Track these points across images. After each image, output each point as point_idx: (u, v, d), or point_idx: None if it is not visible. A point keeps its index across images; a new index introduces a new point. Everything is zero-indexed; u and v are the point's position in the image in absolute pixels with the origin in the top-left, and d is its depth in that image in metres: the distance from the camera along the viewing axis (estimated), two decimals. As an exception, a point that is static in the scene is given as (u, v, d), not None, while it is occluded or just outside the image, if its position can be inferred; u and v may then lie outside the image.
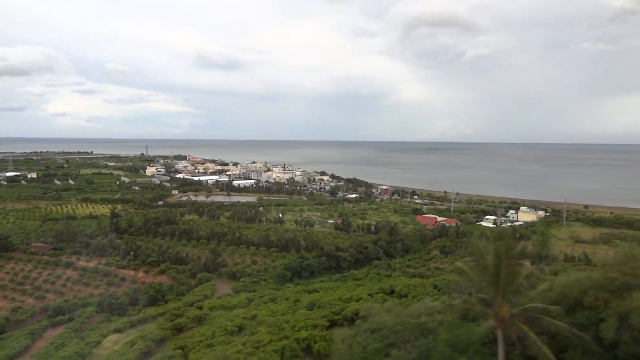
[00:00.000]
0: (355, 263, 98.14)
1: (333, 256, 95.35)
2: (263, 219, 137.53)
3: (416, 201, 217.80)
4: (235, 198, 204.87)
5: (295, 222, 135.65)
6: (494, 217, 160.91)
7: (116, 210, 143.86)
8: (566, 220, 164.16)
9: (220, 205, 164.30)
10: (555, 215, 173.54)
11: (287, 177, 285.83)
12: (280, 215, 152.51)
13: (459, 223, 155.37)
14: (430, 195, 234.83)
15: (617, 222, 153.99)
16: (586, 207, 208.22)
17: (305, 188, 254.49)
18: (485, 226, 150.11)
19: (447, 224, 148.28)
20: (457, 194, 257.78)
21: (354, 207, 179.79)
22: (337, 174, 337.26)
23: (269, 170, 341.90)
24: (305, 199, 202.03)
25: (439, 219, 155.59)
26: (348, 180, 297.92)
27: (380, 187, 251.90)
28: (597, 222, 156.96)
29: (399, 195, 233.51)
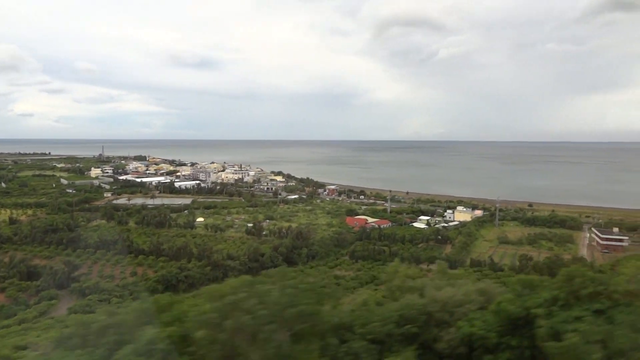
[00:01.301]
0: (248, 272, 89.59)
1: (220, 265, 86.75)
2: (173, 223, 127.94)
3: (362, 201, 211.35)
4: (168, 200, 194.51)
5: (206, 226, 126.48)
6: (428, 218, 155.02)
7: (14, 217, 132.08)
8: (504, 220, 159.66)
9: (140, 209, 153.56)
10: (496, 213, 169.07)
11: (236, 178, 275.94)
12: (202, 219, 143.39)
13: (390, 224, 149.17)
14: (377, 195, 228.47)
15: (551, 220, 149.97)
16: (530, 205, 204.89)
17: (252, 189, 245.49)
18: (417, 227, 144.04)
19: (377, 226, 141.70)
20: (407, 193, 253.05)
21: (288, 208, 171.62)
22: (295, 174, 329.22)
23: (224, 170, 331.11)
24: (244, 200, 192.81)
25: (370, 220, 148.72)
26: (301, 180, 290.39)
27: (329, 187, 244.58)
28: (531, 222, 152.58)
29: (347, 195, 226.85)
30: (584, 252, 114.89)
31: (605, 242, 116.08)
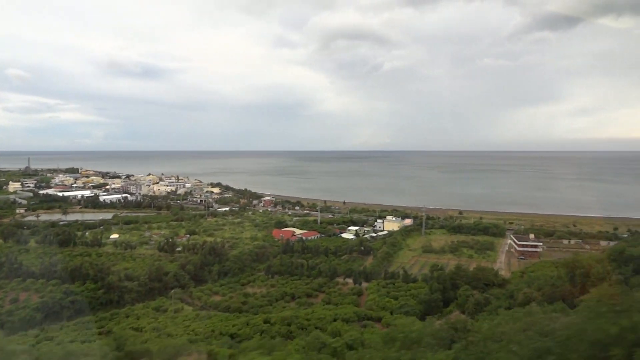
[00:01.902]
0: (149, 293, 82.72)
1: (116, 288, 79.20)
2: (79, 241, 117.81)
3: (296, 212, 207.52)
4: (91, 215, 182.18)
5: (115, 244, 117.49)
6: (357, 228, 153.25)
7: None
8: (432, 228, 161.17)
9: (49, 226, 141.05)
10: (427, 221, 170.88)
11: (169, 190, 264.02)
12: (116, 235, 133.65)
13: (318, 236, 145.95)
14: (314, 206, 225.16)
15: (475, 228, 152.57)
16: (460, 212, 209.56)
17: (184, 201, 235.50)
18: (345, 238, 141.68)
19: (303, 238, 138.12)
20: (344, 202, 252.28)
21: (215, 221, 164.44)
22: (235, 185, 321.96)
23: (159, 182, 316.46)
24: (170, 214, 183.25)
25: (298, 232, 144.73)
26: (238, 192, 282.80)
27: (265, 198, 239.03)
28: (457, 229, 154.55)
29: (282, 207, 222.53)
30: (502, 258, 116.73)
31: (521, 249, 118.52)
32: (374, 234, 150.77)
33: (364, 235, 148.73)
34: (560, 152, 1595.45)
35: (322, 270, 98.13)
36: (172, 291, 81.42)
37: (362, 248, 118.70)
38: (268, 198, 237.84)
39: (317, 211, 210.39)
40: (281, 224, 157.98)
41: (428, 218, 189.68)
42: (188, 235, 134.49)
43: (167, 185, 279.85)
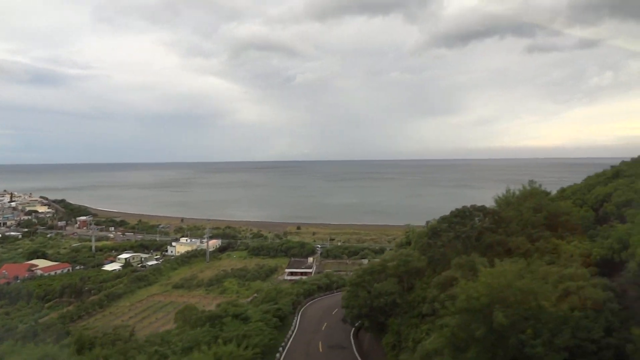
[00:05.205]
0: None
1: None
2: None
3: (109, 235, 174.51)
4: None
5: None
6: (129, 256, 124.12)
7: None
8: (235, 250, 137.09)
9: None
10: (236, 242, 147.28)
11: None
12: None
13: (70, 269, 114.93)
14: (134, 226, 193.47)
15: (278, 249, 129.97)
16: (299, 227, 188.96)
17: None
18: (107, 270, 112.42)
19: (44, 273, 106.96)
20: (182, 220, 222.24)
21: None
22: (86, 202, 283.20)
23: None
24: None
25: (43, 265, 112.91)
26: (71, 210, 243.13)
27: (80, 218, 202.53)
28: (257, 251, 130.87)
29: (97, 227, 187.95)
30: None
31: (290, 277, 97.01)
32: (156, 261, 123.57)
33: (139, 263, 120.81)
34: (460, 159, 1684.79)
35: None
36: None
37: (76, 289, 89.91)
38: (84, 218, 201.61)
39: (143, 231, 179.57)
40: (35, 254, 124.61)
41: (255, 236, 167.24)
42: None
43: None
